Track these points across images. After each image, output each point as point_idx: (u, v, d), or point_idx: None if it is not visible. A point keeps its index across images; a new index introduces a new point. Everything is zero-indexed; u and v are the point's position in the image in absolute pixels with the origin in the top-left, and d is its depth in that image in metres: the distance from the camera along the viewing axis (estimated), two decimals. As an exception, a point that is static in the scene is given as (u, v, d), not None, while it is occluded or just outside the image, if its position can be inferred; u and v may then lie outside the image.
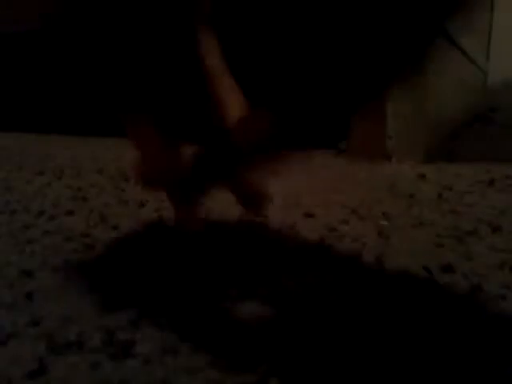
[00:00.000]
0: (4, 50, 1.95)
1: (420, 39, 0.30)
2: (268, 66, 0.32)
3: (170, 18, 0.32)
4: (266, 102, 0.32)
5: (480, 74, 2.69)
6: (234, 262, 0.51)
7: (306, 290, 0.44)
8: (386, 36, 0.29)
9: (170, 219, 0.62)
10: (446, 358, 0.34)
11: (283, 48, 0.31)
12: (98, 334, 0.37)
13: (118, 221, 0.64)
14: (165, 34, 0.32)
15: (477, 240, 0.59)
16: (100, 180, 0.92)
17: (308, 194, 0.81)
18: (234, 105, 0.34)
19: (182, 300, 0.42)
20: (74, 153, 1.11)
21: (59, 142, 1.51)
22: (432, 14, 0.29)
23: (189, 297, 0.43)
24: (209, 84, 0.34)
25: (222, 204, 0.72)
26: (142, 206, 0.71)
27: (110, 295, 0.43)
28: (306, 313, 0.40)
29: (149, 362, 0.34)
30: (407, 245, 0.57)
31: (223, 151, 0.33)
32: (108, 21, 0.34)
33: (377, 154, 1.10)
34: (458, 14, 0.30)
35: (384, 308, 0.41)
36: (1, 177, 0.94)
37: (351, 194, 0.81)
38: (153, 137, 0.33)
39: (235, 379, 0.32)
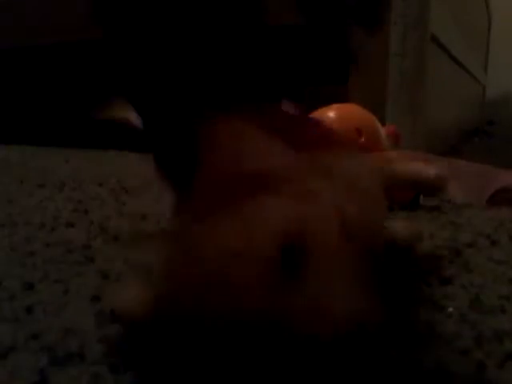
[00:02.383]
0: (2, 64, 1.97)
1: None
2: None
3: None
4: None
5: (478, 88, 2.71)
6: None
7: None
8: None
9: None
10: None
11: None
12: (99, 345, 0.38)
13: (118, 233, 0.64)
14: None
15: (476, 252, 0.59)
16: (101, 192, 0.93)
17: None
18: None
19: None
20: (74, 165, 1.11)
21: (60, 155, 1.52)
22: None
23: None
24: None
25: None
26: (143, 218, 0.71)
27: (111, 306, 0.44)
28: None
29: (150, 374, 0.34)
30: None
31: None
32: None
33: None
34: None
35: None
36: (2, 190, 0.95)
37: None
38: None
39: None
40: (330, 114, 0.80)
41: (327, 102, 0.81)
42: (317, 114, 0.80)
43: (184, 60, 0.38)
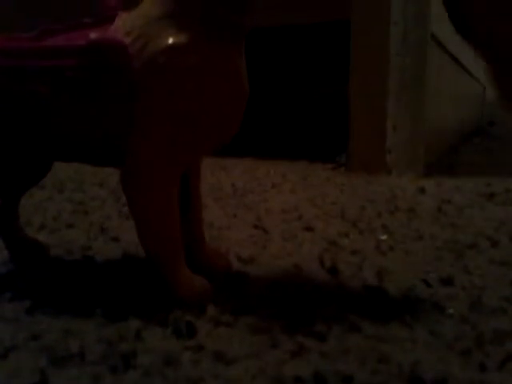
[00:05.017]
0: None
1: None
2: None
3: None
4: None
5: (479, 88, 2.71)
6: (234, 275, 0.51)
7: (304, 300, 0.44)
8: None
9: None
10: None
11: None
12: (99, 345, 0.37)
13: (118, 233, 0.64)
14: None
15: (476, 253, 0.59)
16: (101, 193, 0.93)
17: (307, 208, 0.81)
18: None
19: (184, 309, 0.42)
20: (75, 166, 1.11)
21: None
22: None
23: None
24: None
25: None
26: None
27: (111, 307, 0.44)
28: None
29: (149, 374, 0.34)
30: (407, 258, 0.57)
31: None
32: None
33: (376, 168, 1.11)
34: None
35: (376, 319, 0.41)
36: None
37: (351, 207, 0.81)
38: None
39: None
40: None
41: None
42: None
43: None
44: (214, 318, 0.41)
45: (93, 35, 0.43)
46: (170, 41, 0.42)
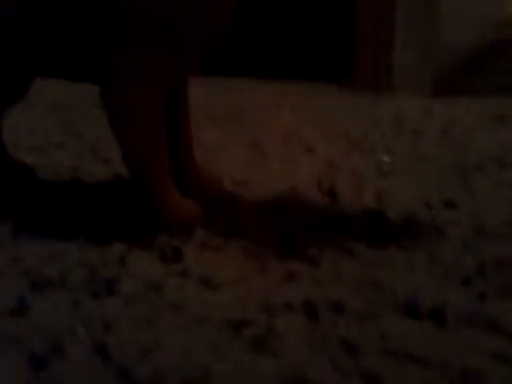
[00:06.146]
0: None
1: None
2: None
3: None
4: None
5: (497, 4, 2.58)
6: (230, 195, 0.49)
7: (298, 224, 0.43)
8: None
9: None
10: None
11: None
12: (80, 271, 0.36)
13: (109, 155, 0.62)
14: None
15: (482, 176, 0.56)
16: (93, 114, 0.89)
17: (309, 128, 0.78)
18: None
19: (171, 234, 0.41)
20: (66, 87, 1.07)
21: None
22: None
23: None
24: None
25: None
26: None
27: (95, 231, 0.42)
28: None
29: (133, 300, 0.33)
30: (409, 181, 0.55)
31: None
32: None
33: (382, 86, 1.06)
34: None
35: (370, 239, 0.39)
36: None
37: (353, 128, 0.78)
38: None
39: (221, 315, 0.31)
40: None
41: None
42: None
43: None
44: (202, 242, 0.40)
45: None
46: None
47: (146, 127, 0.41)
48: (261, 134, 0.74)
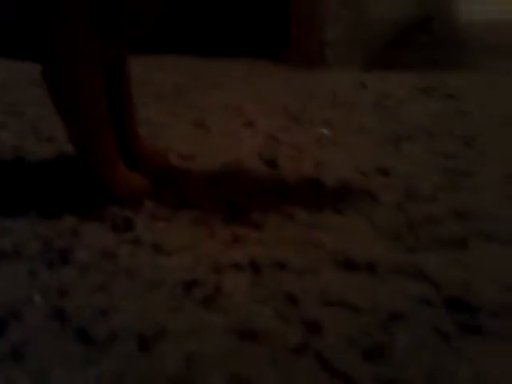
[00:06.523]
0: None
1: None
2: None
3: None
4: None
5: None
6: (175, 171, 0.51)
7: (242, 192, 0.45)
8: None
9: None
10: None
11: None
12: (34, 242, 0.37)
13: (53, 133, 0.62)
14: None
15: (413, 144, 0.60)
16: (36, 93, 0.88)
17: (250, 103, 0.80)
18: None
19: (121, 205, 0.42)
20: (8, 65, 1.04)
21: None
22: None
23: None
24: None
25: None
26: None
27: (45, 206, 0.43)
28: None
29: (87, 268, 0.34)
30: (346, 151, 0.58)
31: None
32: None
33: (316, 62, 1.09)
34: None
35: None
36: None
37: (291, 102, 0.81)
38: None
39: (173, 278, 0.33)
40: None
41: None
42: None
43: None
44: (152, 213, 0.41)
45: None
46: None
47: (89, 103, 0.41)
48: (204, 110, 0.75)
